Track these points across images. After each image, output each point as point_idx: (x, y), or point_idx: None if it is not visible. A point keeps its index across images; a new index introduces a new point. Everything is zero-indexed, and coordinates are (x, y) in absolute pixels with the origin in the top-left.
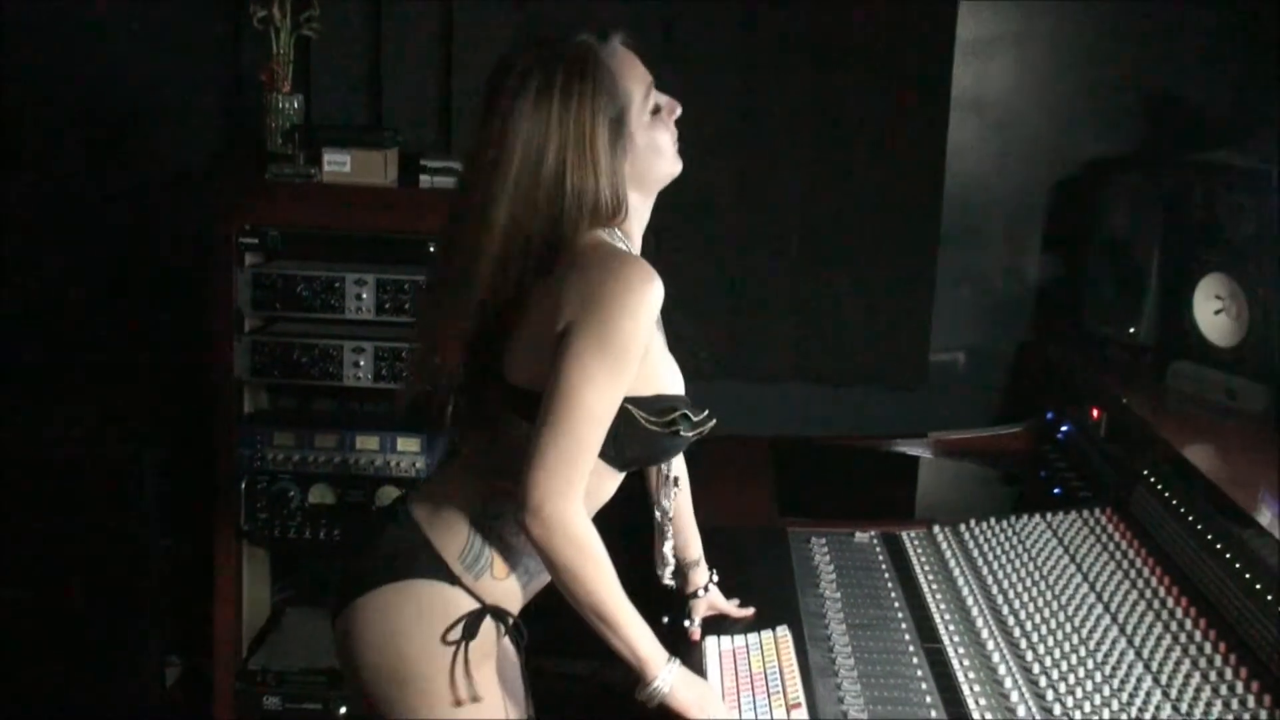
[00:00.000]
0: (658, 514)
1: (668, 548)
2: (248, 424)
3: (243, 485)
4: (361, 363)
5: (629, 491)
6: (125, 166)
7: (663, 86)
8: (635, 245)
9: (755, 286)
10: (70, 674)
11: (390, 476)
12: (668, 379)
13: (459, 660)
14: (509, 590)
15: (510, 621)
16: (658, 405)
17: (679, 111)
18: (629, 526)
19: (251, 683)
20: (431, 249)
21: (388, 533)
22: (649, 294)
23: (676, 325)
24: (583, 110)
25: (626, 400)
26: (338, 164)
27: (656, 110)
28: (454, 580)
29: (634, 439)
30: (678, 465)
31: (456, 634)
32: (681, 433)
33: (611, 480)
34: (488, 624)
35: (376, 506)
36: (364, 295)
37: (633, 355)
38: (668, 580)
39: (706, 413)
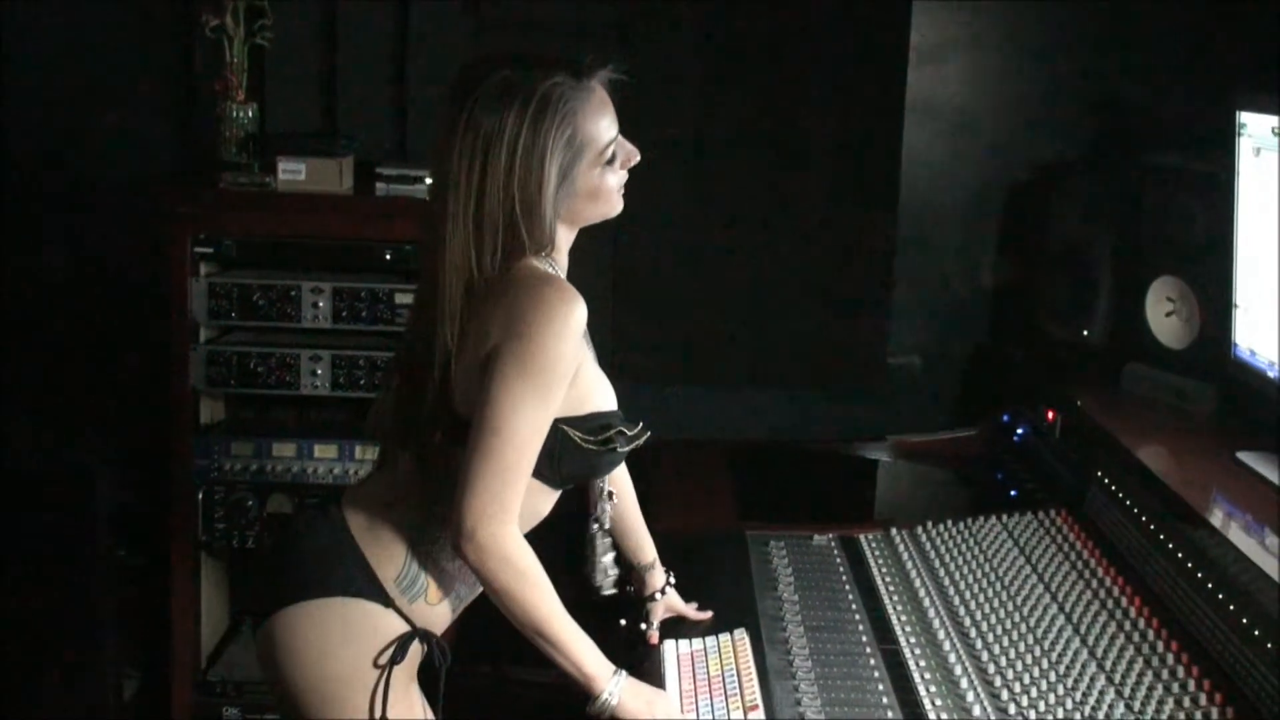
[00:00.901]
0: (594, 527)
1: (608, 559)
2: (205, 434)
3: (200, 495)
4: (319, 371)
5: (568, 506)
6: (79, 176)
7: (617, 92)
8: (562, 268)
9: (713, 291)
10: (25, 688)
11: (350, 485)
12: (600, 396)
13: (384, 683)
14: (440, 614)
15: (434, 642)
16: (593, 424)
17: (636, 160)
18: (568, 539)
19: (210, 694)
20: (388, 256)
21: (319, 535)
22: (571, 315)
23: (634, 330)
24: (539, 148)
25: (562, 421)
26: (293, 172)
27: (612, 159)
28: (388, 602)
29: (571, 458)
30: (617, 477)
31: (386, 657)
32: (618, 449)
33: (548, 499)
34: (414, 646)
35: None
36: (321, 304)
37: (559, 376)
38: (608, 592)
39: (641, 425)
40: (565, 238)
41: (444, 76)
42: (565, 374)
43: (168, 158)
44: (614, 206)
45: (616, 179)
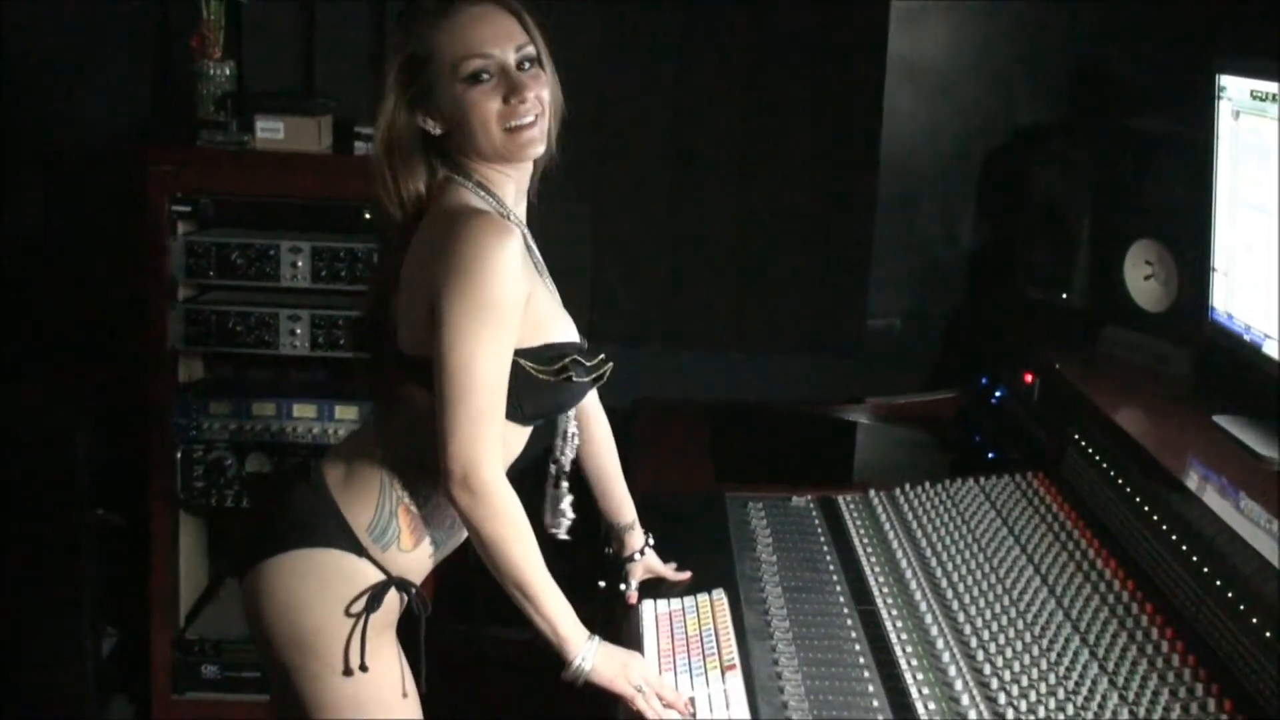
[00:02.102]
0: (552, 468)
1: (564, 503)
2: (183, 393)
3: (179, 454)
4: (298, 330)
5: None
6: (54, 134)
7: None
8: (514, 210)
9: (693, 254)
10: (3, 645)
11: (328, 444)
12: (555, 328)
13: (359, 631)
14: (415, 562)
15: (413, 592)
16: (546, 355)
17: (528, 94)
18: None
19: (189, 652)
20: (367, 215)
21: (298, 492)
22: (505, 248)
23: (613, 292)
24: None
25: (516, 353)
26: (271, 131)
27: (475, 78)
28: (361, 551)
29: (529, 391)
30: (597, 435)
31: (360, 606)
32: (575, 378)
33: (518, 436)
34: (391, 595)
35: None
36: (299, 263)
37: (507, 309)
38: (561, 535)
39: (601, 357)
40: (503, 172)
41: None
42: (514, 303)
43: (144, 116)
44: (493, 134)
45: (489, 102)
